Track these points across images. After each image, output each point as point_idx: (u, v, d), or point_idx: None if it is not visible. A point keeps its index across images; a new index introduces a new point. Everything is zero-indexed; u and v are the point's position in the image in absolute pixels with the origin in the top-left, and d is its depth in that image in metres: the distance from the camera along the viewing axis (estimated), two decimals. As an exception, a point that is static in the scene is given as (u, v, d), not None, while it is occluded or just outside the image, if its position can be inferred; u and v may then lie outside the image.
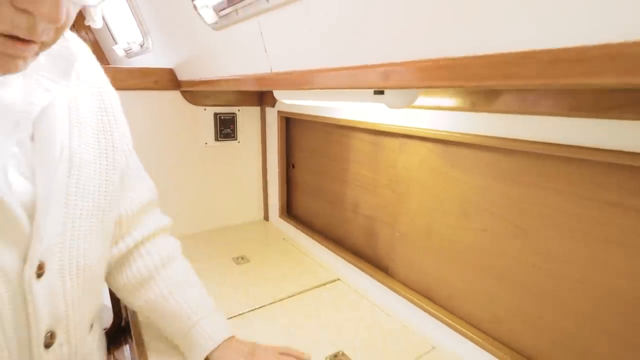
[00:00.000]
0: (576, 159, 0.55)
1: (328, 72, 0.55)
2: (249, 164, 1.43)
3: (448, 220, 0.76)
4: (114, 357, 1.06)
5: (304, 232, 1.24)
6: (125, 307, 1.09)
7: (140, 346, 0.75)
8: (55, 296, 0.51)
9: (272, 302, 0.92)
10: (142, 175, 0.71)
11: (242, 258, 1.15)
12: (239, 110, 1.35)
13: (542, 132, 0.57)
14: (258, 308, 0.89)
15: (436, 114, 0.74)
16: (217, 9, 0.71)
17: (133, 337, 0.80)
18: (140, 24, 1.28)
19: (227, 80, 0.92)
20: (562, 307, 0.59)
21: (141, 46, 1.37)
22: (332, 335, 0.80)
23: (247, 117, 1.38)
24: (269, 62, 0.68)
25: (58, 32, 0.38)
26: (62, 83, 0.49)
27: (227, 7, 0.68)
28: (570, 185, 0.56)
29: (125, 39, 1.54)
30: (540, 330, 0.63)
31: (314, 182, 1.22)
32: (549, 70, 0.30)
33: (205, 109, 1.28)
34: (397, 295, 0.87)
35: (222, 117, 1.31)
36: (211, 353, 0.66)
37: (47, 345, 0.51)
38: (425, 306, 0.80)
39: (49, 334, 0.51)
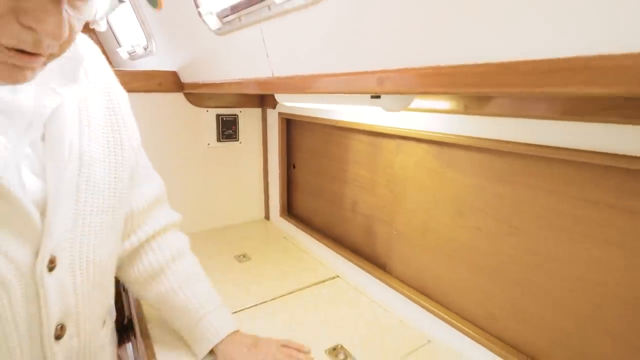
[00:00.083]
0: (567, 160, 0.57)
1: (327, 77, 0.57)
2: (250, 164, 1.46)
3: (443, 219, 0.79)
4: (117, 354, 1.09)
5: (304, 230, 1.26)
6: (129, 305, 1.12)
7: (147, 339, 0.78)
8: (65, 290, 0.52)
9: (273, 299, 0.95)
10: (151, 173, 0.73)
11: (244, 256, 1.18)
12: (240, 111, 1.38)
13: (533, 135, 0.60)
14: (259, 304, 0.92)
15: (431, 116, 0.77)
16: (221, 16, 0.74)
17: (139, 331, 0.83)
18: (144, 27, 1.31)
19: (229, 84, 0.95)
20: (554, 304, 0.62)
21: (145, 49, 1.39)
22: (331, 329, 0.83)
23: (248, 119, 1.41)
24: (270, 66, 0.71)
25: (64, 46, 0.39)
26: (71, 86, 0.51)
27: (231, 14, 0.70)
28: (562, 186, 0.59)
29: (130, 42, 1.57)
30: (534, 326, 0.65)
31: (314, 182, 1.25)
32: (526, 79, 0.33)
33: (207, 111, 1.31)
34: (395, 292, 0.90)
35: (224, 119, 1.34)
36: (216, 346, 0.69)
37: (58, 337, 0.52)
38: (422, 302, 0.83)
39: (59, 326, 0.52)
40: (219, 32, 0.80)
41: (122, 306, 1.35)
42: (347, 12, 0.48)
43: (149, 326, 0.82)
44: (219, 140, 1.34)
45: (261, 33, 0.67)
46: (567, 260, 0.59)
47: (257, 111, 1.43)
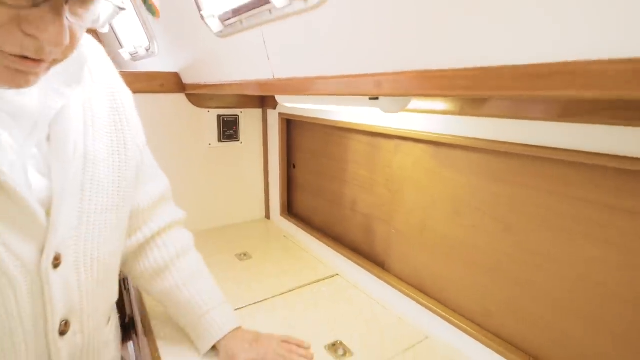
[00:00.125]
0: (563, 160, 0.59)
1: (326, 80, 0.59)
2: (251, 164, 1.47)
3: (441, 218, 0.81)
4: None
5: (304, 229, 1.28)
6: (130, 304, 1.13)
7: (150, 335, 0.79)
8: (70, 286, 0.53)
9: (274, 296, 0.96)
10: (156, 171, 0.75)
11: (245, 254, 1.20)
12: (241, 112, 1.39)
13: (529, 135, 0.61)
14: (260, 301, 0.94)
15: (429, 117, 0.78)
16: (223, 19, 0.76)
17: (142, 328, 0.85)
18: (146, 29, 1.33)
19: (230, 85, 0.96)
20: (549, 301, 0.64)
21: (147, 50, 1.41)
22: (331, 326, 0.84)
23: (249, 119, 1.43)
24: (271, 68, 0.73)
25: (66, 52, 0.40)
26: (75, 87, 0.52)
27: (232, 17, 0.72)
28: (558, 186, 0.60)
29: (132, 43, 1.58)
30: (530, 323, 0.67)
31: (314, 182, 1.27)
32: (518, 83, 0.34)
33: (209, 111, 1.33)
34: (393, 289, 0.92)
35: (225, 119, 1.36)
36: (219, 341, 0.71)
37: (62, 332, 0.53)
38: (419, 299, 0.85)
39: (63, 322, 0.53)
40: (220, 35, 0.81)
41: (124, 305, 1.36)
42: (345, 16, 0.49)
43: (153, 323, 0.83)
44: (220, 140, 1.36)
45: (262, 36, 0.69)
46: (561, 258, 0.61)
47: (257, 112, 1.45)
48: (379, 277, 0.96)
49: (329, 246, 1.15)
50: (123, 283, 1.26)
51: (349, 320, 0.87)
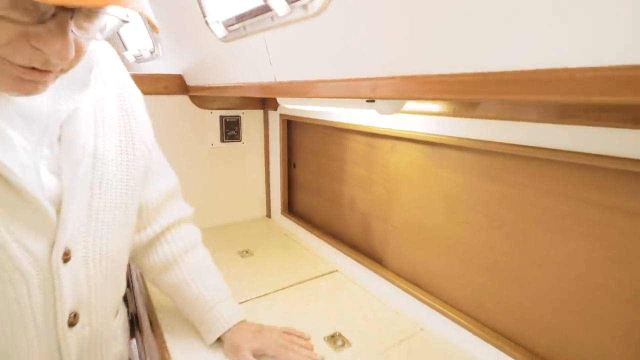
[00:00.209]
0: (554, 160, 0.61)
1: (326, 83, 0.62)
2: (252, 164, 1.51)
3: (435, 215, 0.84)
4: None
5: (304, 227, 1.31)
6: (134, 302, 1.15)
7: (157, 328, 0.83)
8: (79, 280, 0.55)
9: (275, 291, 0.99)
10: (165, 169, 0.78)
11: (247, 252, 1.23)
12: (243, 113, 1.43)
13: (520, 136, 0.64)
14: (262, 296, 0.97)
15: (424, 118, 0.82)
16: (227, 24, 0.79)
17: (149, 322, 0.88)
18: (151, 32, 1.36)
19: (233, 87, 1.00)
20: (539, 294, 0.67)
21: (151, 53, 1.44)
22: (330, 319, 0.88)
23: (251, 120, 1.46)
24: (273, 72, 0.76)
25: (72, 62, 0.42)
26: (84, 91, 0.54)
27: (236, 24, 0.75)
28: (549, 184, 0.63)
29: (136, 46, 1.61)
30: (520, 315, 0.70)
31: (313, 181, 1.30)
32: (502, 88, 0.37)
33: (211, 112, 1.36)
34: (390, 284, 0.95)
35: (228, 120, 1.39)
36: (224, 334, 0.75)
37: (71, 324, 0.55)
38: (415, 293, 0.88)
39: (72, 315, 0.55)
40: (224, 39, 0.85)
41: (127, 303, 1.39)
42: (343, 24, 0.52)
43: (159, 316, 0.86)
44: (222, 140, 1.39)
45: (265, 41, 0.72)
46: (557, 256, 0.64)
47: (259, 113, 1.48)
48: (377, 273, 0.99)
49: (328, 243, 1.18)
50: (127, 281, 1.29)
51: (348, 313, 0.90)
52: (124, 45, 1.82)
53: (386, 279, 0.96)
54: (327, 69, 0.61)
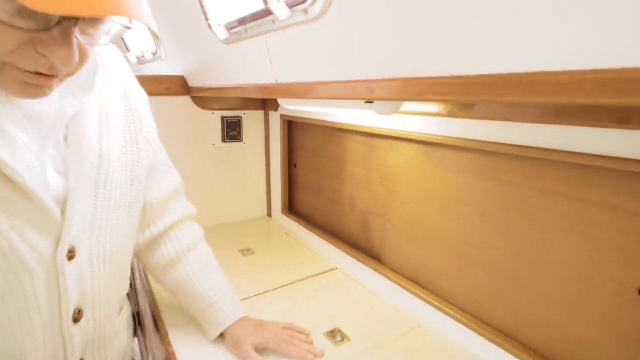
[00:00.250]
0: (546, 159, 0.63)
1: (325, 85, 0.64)
2: (253, 163, 1.53)
3: (432, 213, 0.86)
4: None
5: (304, 226, 1.33)
6: (136, 300, 1.17)
7: (161, 324, 0.85)
8: (83, 277, 0.56)
9: (275, 288, 1.01)
10: (169, 168, 0.79)
11: (248, 250, 1.25)
12: (244, 113, 1.45)
13: (516, 136, 0.66)
14: (263, 293, 0.99)
15: (421, 119, 0.83)
16: (228, 27, 0.81)
17: (152, 317, 0.90)
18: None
19: (234, 88, 1.02)
20: (531, 289, 0.69)
21: (154, 54, 1.46)
22: (329, 315, 0.90)
23: (251, 120, 1.48)
24: (273, 73, 0.78)
25: (77, 66, 0.43)
26: (88, 92, 0.55)
27: (238, 26, 0.77)
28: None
29: (139, 47, 1.63)
30: (514, 310, 0.72)
31: (313, 180, 1.32)
32: (496, 90, 0.39)
33: (213, 113, 1.38)
34: (388, 281, 0.97)
35: (229, 120, 1.41)
36: (226, 329, 0.76)
37: (75, 320, 0.56)
38: (413, 289, 0.90)
39: (77, 310, 0.56)
40: (226, 41, 0.87)
41: (130, 301, 1.41)
42: (342, 27, 0.54)
43: (162, 312, 0.88)
44: (223, 140, 1.41)
45: (266, 43, 0.74)
46: (550, 253, 0.65)
47: (260, 113, 1.50)
48: (376, 270, 1.01)
49: (328, 241, 1.20)
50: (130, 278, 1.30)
51: (347, 310, 0.92)
52: (126, 47, 1.85)
53: (385, 276, 0.98)
54: (326, 71, 0.63)
